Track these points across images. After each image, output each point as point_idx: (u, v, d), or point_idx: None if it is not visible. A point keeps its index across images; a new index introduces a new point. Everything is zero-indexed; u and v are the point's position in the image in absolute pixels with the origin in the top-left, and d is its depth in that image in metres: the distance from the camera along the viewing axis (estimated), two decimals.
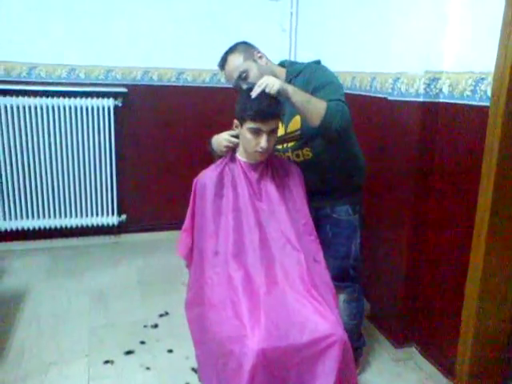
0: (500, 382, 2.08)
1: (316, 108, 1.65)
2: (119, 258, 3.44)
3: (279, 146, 1.95)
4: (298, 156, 1.94)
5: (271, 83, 1.59)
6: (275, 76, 1.85)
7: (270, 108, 1.59)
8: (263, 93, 1.59)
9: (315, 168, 1.92)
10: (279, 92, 1.60)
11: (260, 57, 1.90)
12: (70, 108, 3.29)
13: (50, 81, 3.29)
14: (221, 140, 1.81)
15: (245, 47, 1.90)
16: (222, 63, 1.90)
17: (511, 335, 2.02)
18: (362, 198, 2.07)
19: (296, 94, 1.64)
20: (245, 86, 1.78)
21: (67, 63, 3.31)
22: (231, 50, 1.90)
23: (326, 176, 1.95)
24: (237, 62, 1.86)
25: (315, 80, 1.81)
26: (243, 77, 1.85)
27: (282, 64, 2.01)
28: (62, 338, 2.40)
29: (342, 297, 2.06)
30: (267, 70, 1.87)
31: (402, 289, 2.28)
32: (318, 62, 1.96)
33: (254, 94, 1.59)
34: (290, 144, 1.94)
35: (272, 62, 1.97)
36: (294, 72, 1.90)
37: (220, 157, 1.84)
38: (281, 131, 1.90)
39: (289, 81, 1.87)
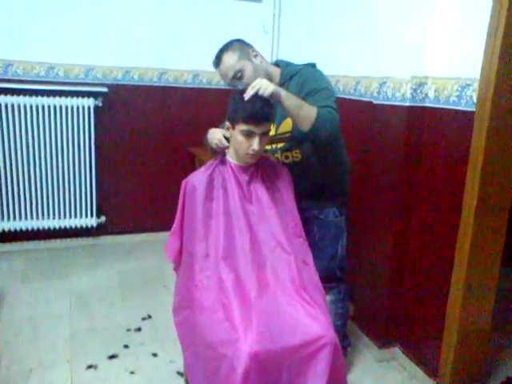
0: (483, 381, 2.13)
1: (307, 114, 1.66)
2: (98, 260, 3.38)
3: (268, 147, 1.96)
4: (286, 157, 1.94)
5: (264, 86, 1.58)
6: (270, 76, 1.87)
7: (263, 110, 1.59)
8: (256, 95, 1.58)
9: (304, 170, 1.93)
10: (272, 95, 1.60)
11: (255, 55, 1.89)
12: (49, 107, 3.21)
13: (28, 79, 3.20)
14: (214, 137, 1.81)
15: (239, 45, 1.87)
16: (217, 62, 1.87)
17: (493, 334, 2.08)
18: (347, 201, 2.09)
19: (288, 99, 1.64)
20: (240, 87, 1.76)
21: (45, 61, 3.23)
22: (226, 48, 1.87)
23: (315, 178, 1.96)
24: (232, 60, 1.83)
25: (309, 84, 1.80)
26: (238, 76, 1.84)
27: (276, 64, 2.00)
28: (42, 343, 2.33)
29: (328, 297, 2.08)
30: (262, 70, 1.87)
31: (385, 289, 2.31)
32: (313, 65, 1.96)
33: (246, 96, 1.58)
34: (279, 145, 1.94)
35: (267, 61, 1.95)
36: (289, 73, 1.90)
37: (212, 149, 1.83)
38: (272, 132, 1.91)
39: (283, 82, 1.88)
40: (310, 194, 1.99)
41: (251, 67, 1.84)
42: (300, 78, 1.85)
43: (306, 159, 1.92)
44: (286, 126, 1.89)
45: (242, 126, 1.60)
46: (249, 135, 1.60)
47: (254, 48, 1.91)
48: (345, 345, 2.23)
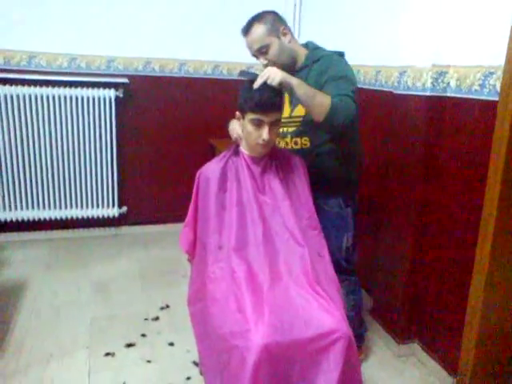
0: (504, 380, 2.07)
1: (321, 104, 1.63)
2: (120, 250, 3.43)
3: (280, 130, 1.92)
4: (296, 143, 1.92)
5: (273, 75, 1.58)
6: (295, 57, 1.86)
7: (272, 99, 1.58)
8: (265, 84, 1.57)
9: (311, 158, 1.89)
10: (281, 84, 1.59)
11: (285, 34, 1.85)
12: (71, 98, 3.25)
13: (51, 70, 3.25)
14: (234, 131, 1.81)
15: (272, 19, 1.84)
16: (246, 30, 1.85)
17: None
18: (355, 191, 2.05)
19: (301, 88, 1.62)
20: (251, 76, 1.75)
21: (68, 52, 3.27)
22: (258, 18, 1.84)
23: (322, 167, 1.92)
24: (260, 33, 1.81)
25: (330, 71, 1.77)
26: (263, 51, 1.83)
27: (306, 45, 1.96)
28: (63, 329, 2.39)
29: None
30: (288, 50, 1.85)
31: (405, 285, 2.26)
32: (341, 54, 1.90)
33: (255, 85, 1.58)
34: (290, 129, 1.92)
35: (297, 40, 1.92)
36: (315, 57, 1.86)
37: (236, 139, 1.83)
38: (287, 112, 1.89)
39: (306, 65, 1.85)
40: (316, 183, 1.92)
41: (277, 45, 1.82)
42: (323, 64, 1.82)
43: (314, 147, 1.89)
44: (300, 110, 1.86)
45: (251, 115, 1.59)
46: (258, 124, 1.60)
47: (286, 24, 1.87)
48: (362, 332, 2.22)
